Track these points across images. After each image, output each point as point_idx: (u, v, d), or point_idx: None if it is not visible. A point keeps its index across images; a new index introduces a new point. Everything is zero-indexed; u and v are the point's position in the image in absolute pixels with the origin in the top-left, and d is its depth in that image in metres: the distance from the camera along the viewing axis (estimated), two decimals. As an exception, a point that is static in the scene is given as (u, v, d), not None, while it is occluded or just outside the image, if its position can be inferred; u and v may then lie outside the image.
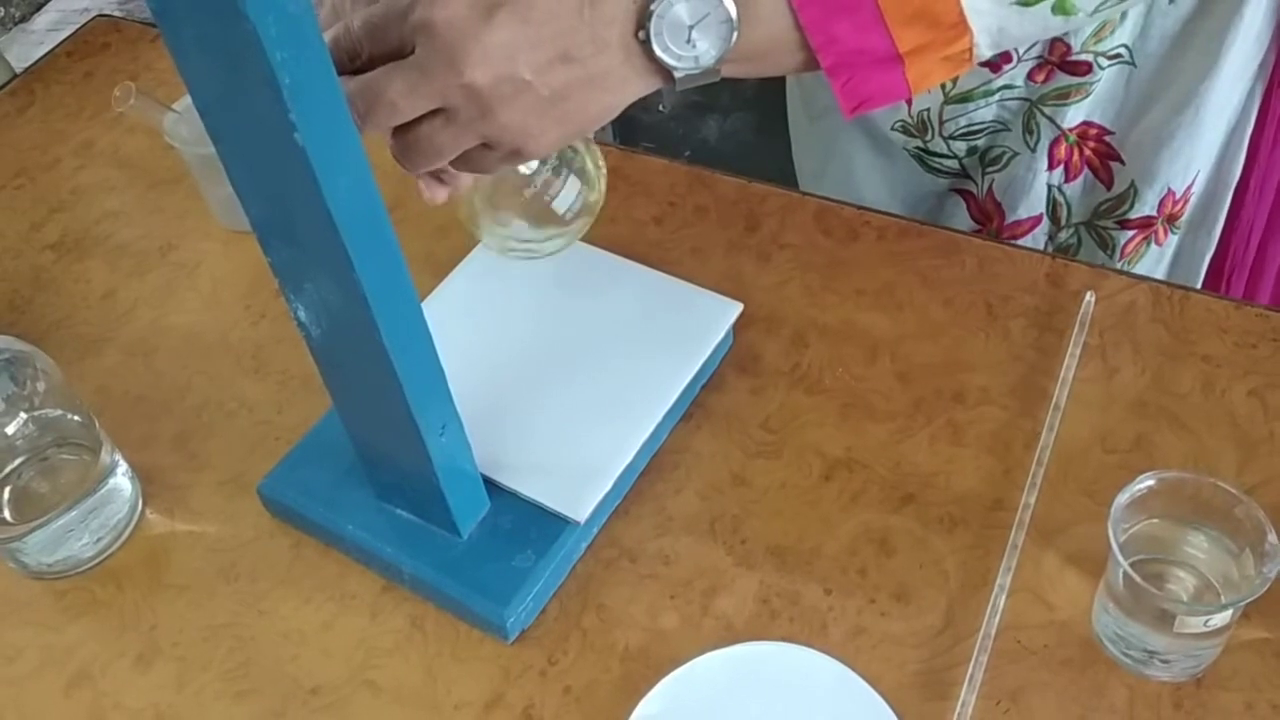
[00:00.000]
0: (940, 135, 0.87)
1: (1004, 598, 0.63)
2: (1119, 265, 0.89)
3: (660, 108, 2.15)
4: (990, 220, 0.91)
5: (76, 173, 0.96)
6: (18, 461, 0.69)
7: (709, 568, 0.66)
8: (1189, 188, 0.84)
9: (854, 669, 0.60)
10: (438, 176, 0.59)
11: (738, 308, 0.74)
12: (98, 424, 0.70)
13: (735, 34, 0.53)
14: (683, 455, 0.71)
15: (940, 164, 0.89)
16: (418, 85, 0.52)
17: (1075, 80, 0.80)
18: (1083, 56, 0.79)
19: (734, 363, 0.75)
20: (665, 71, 0.54)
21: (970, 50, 0.55)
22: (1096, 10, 0.57)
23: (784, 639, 0.62)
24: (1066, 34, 0.77)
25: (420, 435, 0.60)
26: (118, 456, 0.71)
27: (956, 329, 0.75)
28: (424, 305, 0.57)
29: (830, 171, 0.96)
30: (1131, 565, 0.56)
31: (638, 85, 0.55)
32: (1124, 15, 0.76)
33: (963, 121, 0.85)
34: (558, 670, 0.63)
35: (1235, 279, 0.88)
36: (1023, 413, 0.71)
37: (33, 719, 0.64)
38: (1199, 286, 0.89)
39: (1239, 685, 0.59)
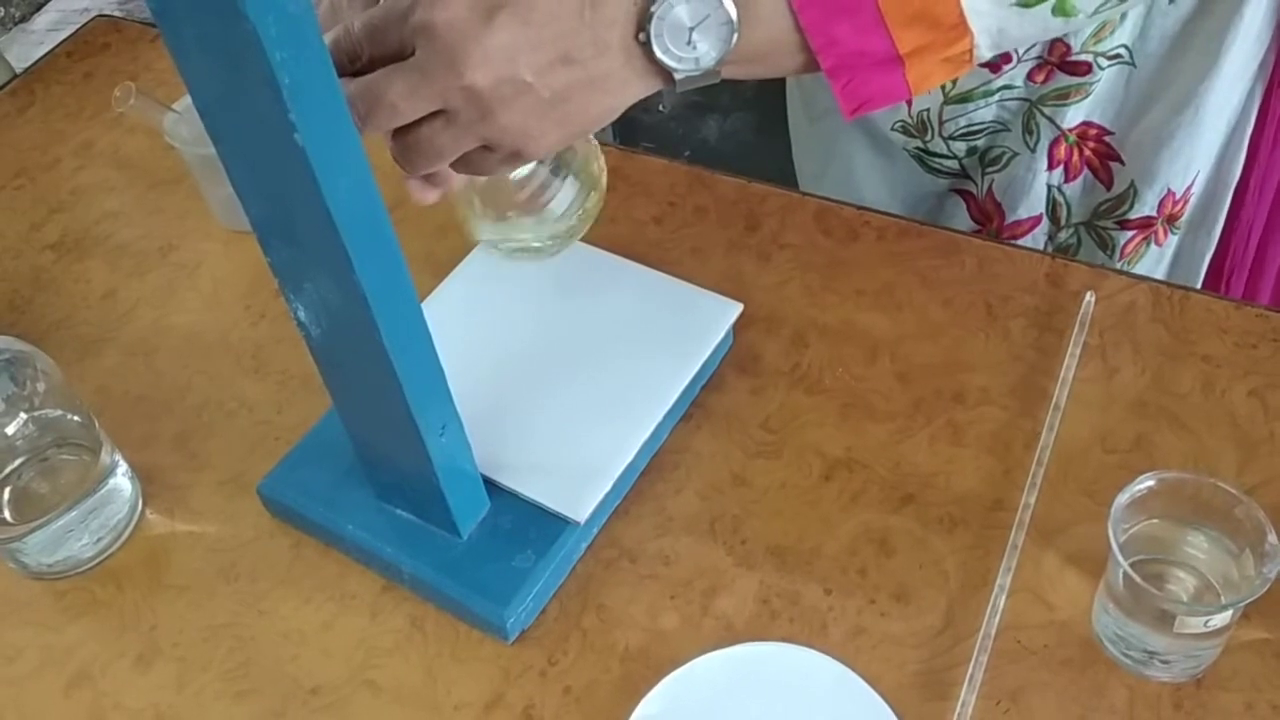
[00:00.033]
0: (940, 135, 0.87)
1: (1004, 598, 0.63)
2: (1119, 265, 0.89)
3: (660, 108, 2.15)
4: (990, 220, 0.91)
5: (76, 173, 0.96)
6: (18, 462, 0.69)
7: (709, 568, 0.66)
8: (1189, 188, 0.84)
9: (854, 669, 0.60)
10: (428, 178, 0.59)
11: (738, 308, 0.74)
12: (98, 424, 0.70)
13: (735, 36, 0.53)
14: (683, 455, 0.71)
15: (940, 164, 0.89)
16: (418, 87, 0.52)
17: (1075, 80, 0.80)
18: (1082, 57, 0.79)
19: (734, 363, 0.75)
20: (666, 73, 0.54)
21: (970, 51, 0.55)
22: (1096, 11, 0.57)
23: (784, 639, 0.62)
24: (1066, 35, 0.77)
25: (420, 435, 0.60)
26: (118, 457, 0.71)
27: (956, 329, 0.75)
28: (424, 305, 0.57)
29: (830, 172, 0.96)
30: (1131, 565, 0.56)
31: (638, 87, 0.55)
32: (1124, 16, 0.76)
33: (962, 122, 0.85)
34: (558, 671, 0.63)
35: (1235, 279, 0.88)
36: (1023, 413, 0.71)
37: (33, 719, 0.64)
38: (1199, 287, 0.89)
39: (1239, 686, 0.59)
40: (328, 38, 0.53)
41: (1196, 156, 0.82)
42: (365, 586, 0.68)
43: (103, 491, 0.69)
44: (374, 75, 0.53)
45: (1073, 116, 0.82)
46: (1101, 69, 0.79)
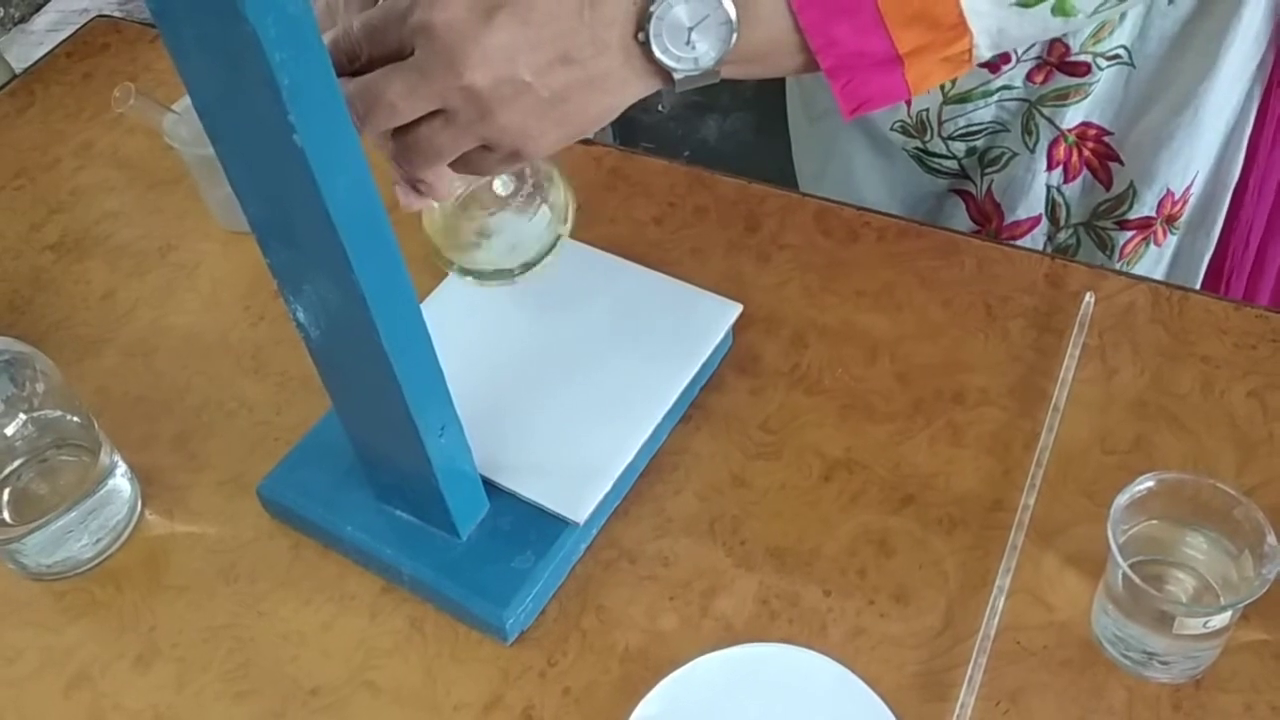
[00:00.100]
0: (939, 136, 0.87)
1: (1003, 599, 0.63)
2: (1118, 266, 0.89)
3: (660, 108, 2.15)
4: (989, 221, 0.91)
5: (76, 173, 0.96)
6: (17, 463, 0.69)
7: (708, 569, 0.66)
8: (1188, 188, 0.84)
9: (853, 670, 0.60)
10: (416, 186, 0.58)
11: (737, 308, 0.74)
12: (97, 425, 0.70)
13: (735, 36, 0.53)
14: (682, 456, 0.71)
15: (939, 164, 0.89)
16: (417, 87, 0.52)
17: (1074, 81, 0.80)
18: (1081, 57, 0.79)
19: (733, 363, 0.75)
20: (665, 73, 0.54)
21: (970, 51, 0.55)
22: (1096, 11, 0.57)
23: (783, 640, 0.62)
24: (1065, 35, 0.77)
25: (419, 436, 0.60)
26: (117, 457, 0.71)
27: (956, 330, 0.75)
28: (423, 306, 0.57)
29: (830, 172, 0.96)
30: (1131, 566, 0.56)
31: (637, 87, 0.55)
32: (1123, 16, 0.76)
33: (962, 122, 0.85)
34: (557, 671, 0.63)
35: (1234, 280, 0.88)
36: (1022, 413, 0.71)
37: (32, 720, 0.64)
38: (1198, 287, 0.89)
39: (1238, 687, 0.59)
40: (327, 38, 0.53)
41: (1196, 157, 0.82)
42: (365, 587, 0.68)
43: (102, 492, 0.69)
44: (373, 75, 0.53)
45: (1072, 117, 0.82)
46: (1101, 69, 0.79)
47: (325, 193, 0.49)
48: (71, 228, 0.91)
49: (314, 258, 0.53)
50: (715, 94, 0.54)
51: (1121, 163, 0.84)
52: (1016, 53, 0.80)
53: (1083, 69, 0.79)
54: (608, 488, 0.67)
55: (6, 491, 0.69)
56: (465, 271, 0.67)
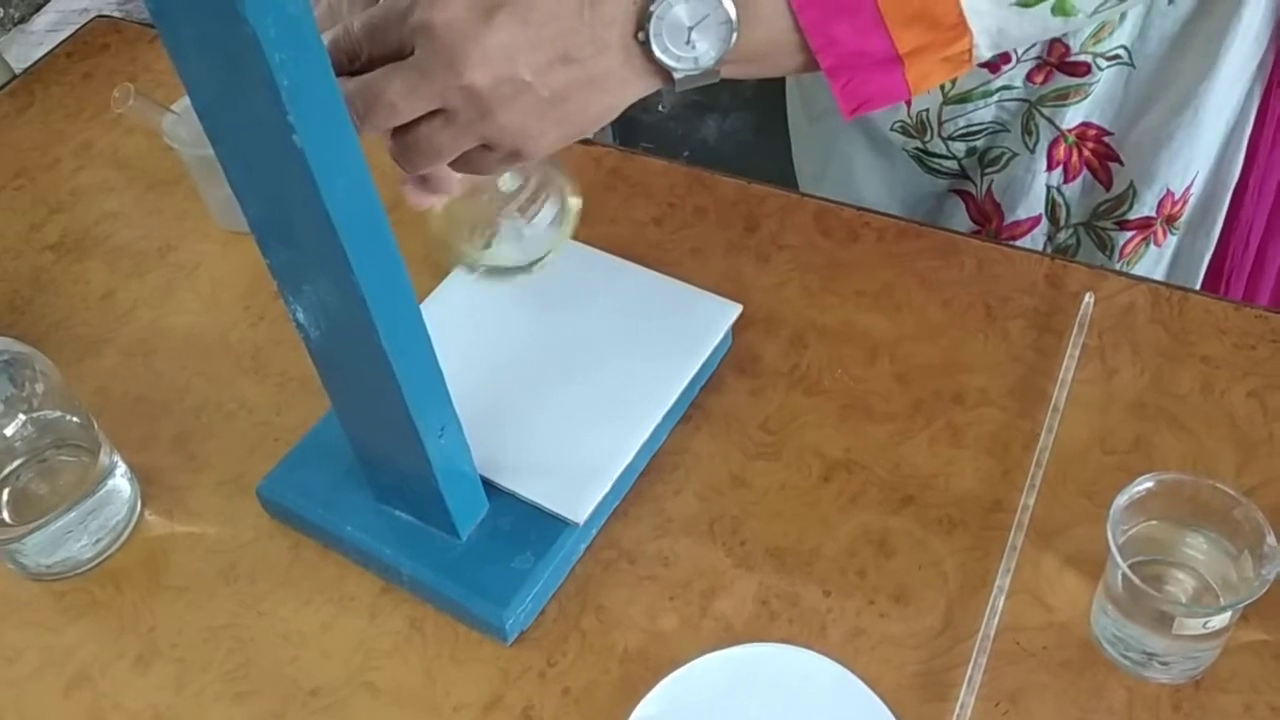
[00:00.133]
0: (939, 136, 0.87)
1: (1003, 599, 0.63)
2: (1118, 266, 0.89)
3: (660, 108, 2.15)
4: (989, 221, 0.91)
5: (76, 173, 0.96)
6: (17, 463, 0.69)
7: (708, 569, 0.66)
8: (1188, 188, 0.84)
9: (853, 670, 0.60)
10: (425, 183, 0.58)
11: (737, 309, 0.74)
12: (97, 425, 0.70)
13: (735, 35, 0.53)
14: (682, 456, 0.71)
15: (939, 165, 0.89)
16: (417, 86, 0.52)
17: (1074, 81, 0.80)
18: (1081, 57, 0.79)
19: (733, 364, 0.75)
20: (665, 72, 0.54)
21: (970, 51, 0.55)
22: (1096, 11, 0.57)
23: (783, 640, 0.62)
24: (1065, 35, 0.77)
25: (419, 437, 0.60)
26: (116, 458, 0.71)
27: (955, 330, 0.75)
28: (423, 307, 0.57)
29: (830, 172, 0.96)
30: (1130, 567, 0.56)
31: (637, 86, 0.55)
32: (1123, 16, 0.76)
33: (961, 122, 0.85)
34: (557, 672, 0.63)
35: (1234, 280, 0.88)
36: (1022, 414, 0.71)
37: (32, 720, 0.64)
38: (1198, 287, 0.89)
39: (1238, 687, 0.59)
40: (327, 37, 0.53)
41: (1195, 157, 0.82)
42: (364, 588, 0.68)
43: (102, 492, 0.69)
44: (373, 74, 0.53)
45: (1072, 117, 0.82)
46: (1101, 70, 0.79)
47: (325, 193, 0.49)
48: (71, 228, 0.91)
49: (313, 258, 0.53)
50: (715, 94, 0.54)
51: (1121, 163, 0.84)
52: (1016, 53, 0.80)
53: (1083, 69, 0.79)
54: (607, 488, 0.67)
55: (6, 492, 0.69)
56: (472, 266, 0.67)
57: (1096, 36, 0.77)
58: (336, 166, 0.49)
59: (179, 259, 0.88)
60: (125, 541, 0.71)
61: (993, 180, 0.88)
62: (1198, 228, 0.87)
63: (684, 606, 0.65)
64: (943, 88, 0.83)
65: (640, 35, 0.53)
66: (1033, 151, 0.85)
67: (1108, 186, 0.86)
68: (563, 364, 0.72)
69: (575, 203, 0.67)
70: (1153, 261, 0.89)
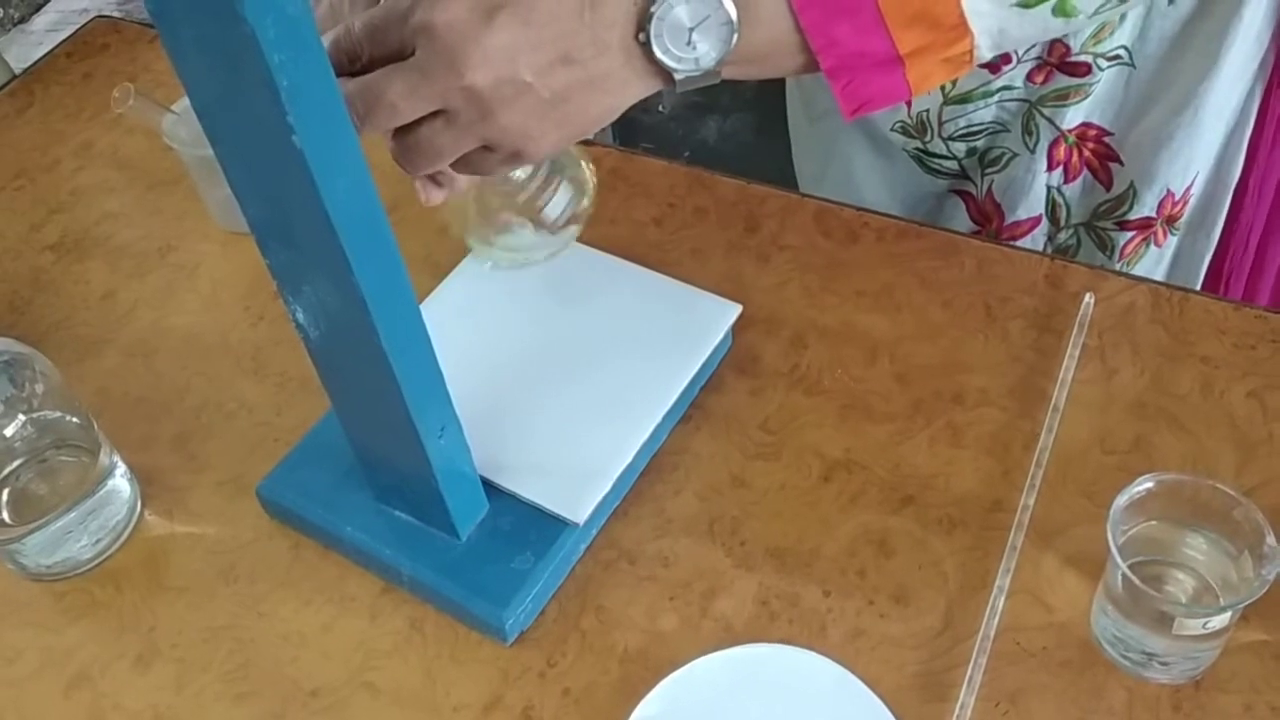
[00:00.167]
0: (939, 136, 0.87)
1: (1003, 599, 0.63)
2: (1118, 266, 0.89)
3: (660, 108, 2.15)
4: (990, 221, 0.91)
5: (76, 174, 0.96)
6: (16, 463, 0.69)
7: (708, 569, 0.66)
8: (1188, 189, 0.84)
9: (853, 671, 0.60)
10: (434, 179, 0.59)
11: (737, 309, 0.74)
12: (96, 425, 0.70)
13: (736, 36, 0.53)
14: (682, 457, 0.71)
15: (940, 165, 0.89)
16: (418, 87, 0.52)
17: (1074, 81, 0.80)
18: (1082, 58, 0.79)
19: (733, 364, 0.75)
20: (665, 73, 0.54)
21: (971, 52, 0.55)
22: (1097, 12, 0.57)
23: (783, 641, 0.62)
24: (1066, 35, 0.77)
25: (419, 437, 0.60)
26: (116, 458, 0.71)
27: (955, 330, 0.75)
28: (422, 307, 0.57)
29: (830, 172, 0.96)
30: (1130, 567, 0.56)
31: (638, 87, 0.55)
32: (1123, 17, 0.76)
33: (962, 122, 0.85)
34: (557, 672, 0.63)
35: (1234, 280, 0.88)
36: (1022, 414, 0.71)
37: (32, 721, 0.64)
38: (1198, 288, 0.89)
39: (1238, 687, 0.59)
40: (327, 38, 0.53)
41: (1196, 157, 0.82)
42: (364, 588, 0.68)
43: (102, 493, 0.69)
44: (374, 75, 0.53)
45: (1072, 117, 0.82)
46: (1101, 70, 0.79)
47: (324, 194, 0.49)
48: (71, 228, 0.91)
49: (313, 259, 0.53)
50: (715, 94, 0.54)
51: (1122, 163, 0.84)
52: (1017, 53, 0.80)
53: (1083, 69, 0.79)
54: (607, 488, 0.67)
55: (6, 492, 0.69)
56: (489, 255, 0.67)
57: (1097, 37, 0.77)
58: (336, 167, 0.49)
59: (179, 259, 0.88)
60: (125, 542, 0.71)
61: (993, 180, 0.88)
62: (1198, 228, 0.87)
63: (684, 607, 0.65)
64: (943, 88, 0.83)
65: (641, 36, 0.53)
66: (1033, 152, 0.85)
67: (1108, 187, 0.86)
68: (563, 364, 0.72)
69: (591, 184, 0.67)
70: (1153, 262, 0.89)
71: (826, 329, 0.76)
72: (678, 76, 0.54)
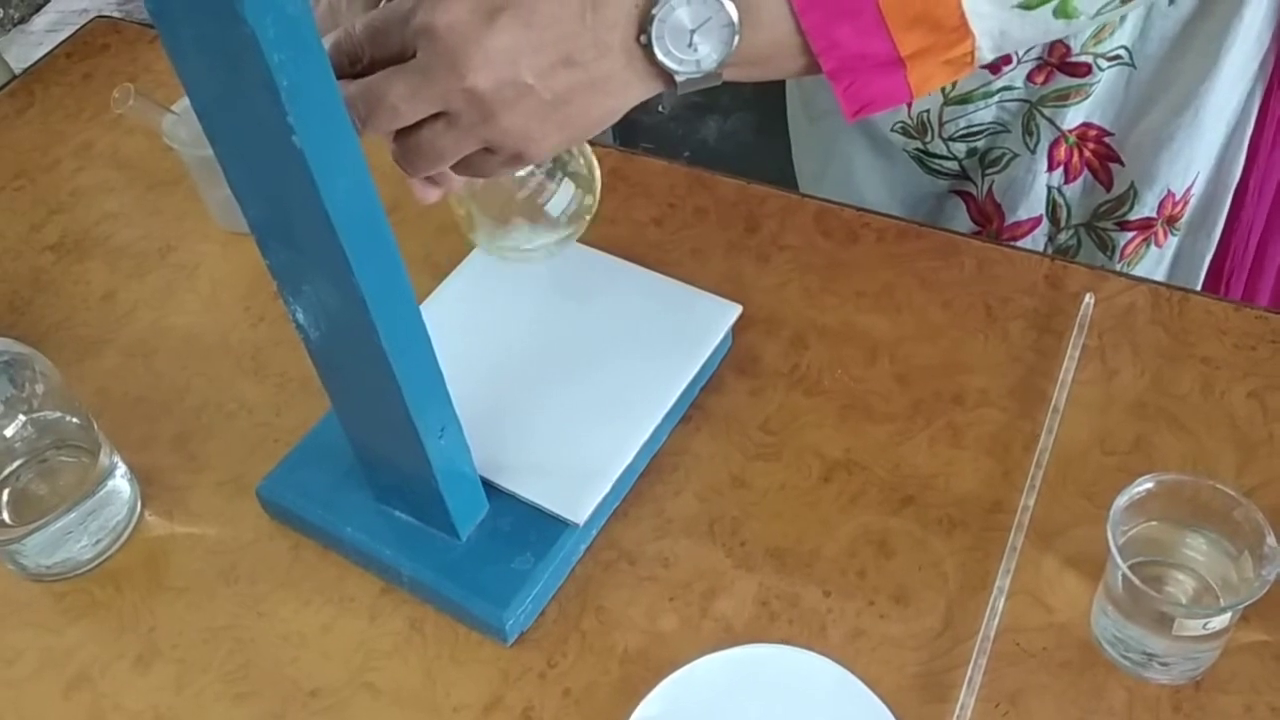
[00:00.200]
0: (940, 137, 0.87)
1: (1003, 600, 0.63)
2: (1119, 267, 0.89)
3: (660, 108, 2.15)
4: (990, 221, 0.91)
5: (76, 174, 0.96)
6: (16, 464, 0.69)
7: (708, 570, 0.66)
8: (1189, 189, 0.84)
9: (853, 671, 0.60)
10: (430, 178, 0.59)
11: (737, 309, 0.74)
12: (96, 426, 0.70)
13: (737, 38, 0.53)
14: (682, 457, 0.71)
15: (940, 165, 0.89)
16: (419, 89, 0.52)
17: (1075, 82, 0.80)
18: (1082, 58, 0.79)
19: (733, 364, 0.75)
20: (667, 75, 0.54)
21: (972, 54, 0.55)
22: (1098, 13, 0.57)
23: (783, 641, 0.62)
24: (1067, 36, 0.77)
25: (419, 437, 0.60)
26: (116, 458, 0.71)
27: (955, 331, 0.75)
28: (422, 307, 0.57)
29: (830, 173, 0.96)
30: (1130, 568, 0.56)
31: (639, 89, 0.55)
32: (1123, 17, 0.76)
33: (962, 123, 0.85)
34: (557, 672, 0.63)
35: (1235, 281, 0.88)
36: (1022, 414, 0.71)
37: (32, 721, 0.64)
38: (1198, 288, 0.89)
39: (1238, 688, 0.59)
40: (328, 39, 0.53)
41: (1196, 158, 0.82)
42: (364, 589, 0.67)
43: (102, 493, 0.69)
44: (375, 77, 0.53)
45: (1072, 118, 0.82)
46: (1101, 70, 0.79)
47: (325, 194, 0.49)
48: (71, 228, 0.91)
49: (313, 259, 0.53)
50: (715, 95, 0.54)
51: (1122, 163, 0.84)
52: (1017, 54, 0.80)
53: (1083, 70, 0.79)
54: (607, 489, 0.67)
55: (6, 492, 0.69)
56: (494, 250, 0.67)
57: (1097, 37, 0.77)
58: (336, 167, 0.49)
59: (179, 259, 0.88)
60: (125, 542, 0.71)
61: (993, 181, 0.88)
62: (1198, 228, 0.87)
63: (684, 607, 0.65)
64: (943, 89, 0.83)
65: (642, 38, 0.53)
66: (1033, 152, 0.85)
67: (1108, 187, 0.86)
68: (563, 364, 0.72)
69: (595, 176, 0.66)
70: (1153, 262, 0.89)
71: (827, 329, 0.76)
72: (679, 78, 0.54)
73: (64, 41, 1.09)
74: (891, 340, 0.75)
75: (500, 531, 0.66)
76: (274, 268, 0.56)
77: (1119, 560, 0.56)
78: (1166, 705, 0.59)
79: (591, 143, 0.69)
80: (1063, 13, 0.55)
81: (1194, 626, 0.56)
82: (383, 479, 0.66)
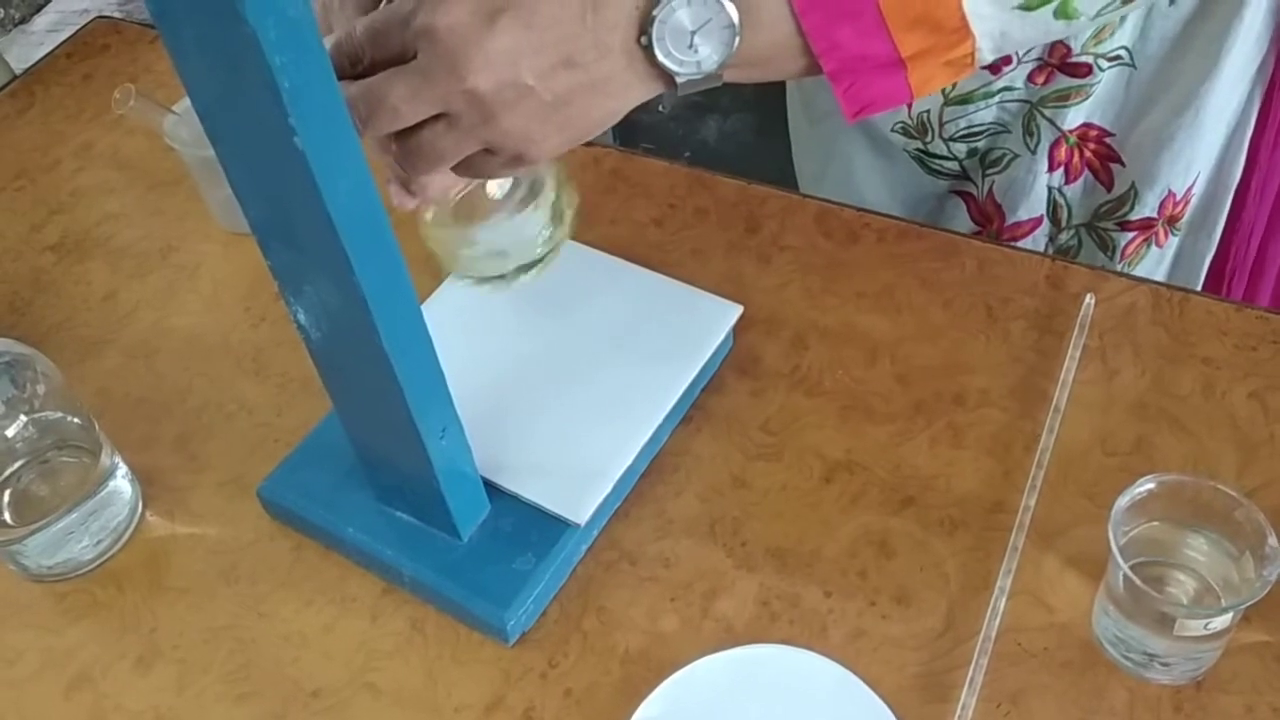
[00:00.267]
0: (940, 137, 0.87)
1: (1004, 600, 0.63)
2: (1119, 267, 0.89)
3: (660, 109, 2.15)
4: (991, 222, 0.91)
5: (76, 174, 0.96)
6: (18, 464, 0.69)
7: (709, 570, 0.66)
8: (1189, 189, 0.84)
9: (854, 671, 0.60)
10: (407, 187, 0.58)
11: (738, 310, 0.74)
12: (98, 426, 0.70)
13: (737, 39, 0.53)
14: (683, 457, 0.71)
15: (940, 166, 0.90)
16: (420, 90, 0.52)
17: (1075, 82, 0.80)
18: (1083, 58, 0.79)
19: (734, 365, 0.75)
20: (667, 76, 0.54)
21: (972, 55, 0.55)
22: (1099, 14, 0.57)
23: (784, 641, 0.62)
24: (1067, 37, 0.77)
25: (420, 438, 0.60)
26: (118, 459, 0.71)
27: (956, 331, 0.75)
28: (424, 308, 0.57)
29: (830, 173, 0.96)
30: (1132, 568, 0.56)
31: (640, 90, 0.55)
32: (1124, 18, 0.76)
33: (963, 123, 0.85)
34: (558, 673, 0.63)
35: (1235, 281, 0.88)
36: (1023, 415, 0.71)
37: (33, 721, 0.64)
38: (1199, 288, 0.89)
39: (1239, 688, 0.59)
40: (329, 41, 0.53)
41: (1197, 158, 0.82)
42: (366, 589, 0.68)
43: (103, 494, 0.69)
44: (375, 78, 0.53)
45: (1073, 118, 0.82)
46: (1102, 70, 0.79)
47: (326, 195, 0.49)
48: (72, 229, 0.91)
49: (315, 259, 0.53)
50: (715, 95, 0.54)
51: (1123, 164, 0.84)
52: (1018, 55, 0.80)
53: (1084, 70, 0.79)
54: (608, 489, 0.67)
55: (7, 493, 0.69)
56: (462, 275, 0.67)
57: (1098, 37, 0.77)
58: (338, 168, 0.49)
59: (180, 260, 0.88)
60: (126, 542, 0.71)
61: (994, 181, 0.88)
62: (1199, 229, 0.87)
63: (685, 608, 0.65)
64: (944, 90, 0.83)
65: (643, 39, 0.53)
66: (1034, 152, 0.85)
67: (1109, 187, 0.86)
68: (564, 365, 0.72)
69: (569, 211, 0.67)
70: (1154, 262, 0.89)
71: (827, 330, 0.76)
72: (679, 80, 0.54)
73: (64, 42, 1.09)
74: (892, 341, 0.75)
75: (501, 532, 0.66)
76: (275, 268, 0.56)
77: (1120, 560, 0.56)
78: (1168, 705, 0.59)
79: (591, 143, 0.69)
80: (1063, 14, 0.55)
81: (1195, 627, 0.56)
82: (384, 479, 0.66)
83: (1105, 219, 0.87)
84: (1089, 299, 0.75)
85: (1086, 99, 0.81)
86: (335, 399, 0.64)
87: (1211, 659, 0.59)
